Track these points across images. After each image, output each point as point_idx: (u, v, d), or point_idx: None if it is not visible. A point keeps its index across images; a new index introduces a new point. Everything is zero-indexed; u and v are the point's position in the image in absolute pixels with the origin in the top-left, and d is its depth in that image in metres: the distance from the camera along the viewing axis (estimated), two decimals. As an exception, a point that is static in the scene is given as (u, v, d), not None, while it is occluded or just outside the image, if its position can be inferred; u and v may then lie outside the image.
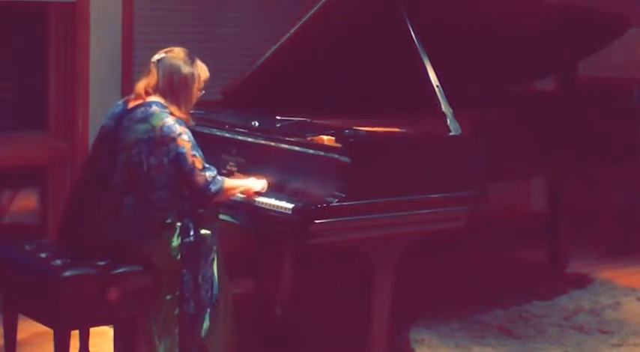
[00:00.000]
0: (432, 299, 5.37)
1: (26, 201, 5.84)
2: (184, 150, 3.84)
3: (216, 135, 4.51)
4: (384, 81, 4.97)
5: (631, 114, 5.63)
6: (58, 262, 3.79)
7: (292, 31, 4.59)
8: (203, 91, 4.08)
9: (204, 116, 4.65)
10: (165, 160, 3.83)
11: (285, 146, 4.19)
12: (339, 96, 4.89)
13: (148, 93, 3.95)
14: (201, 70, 4.05)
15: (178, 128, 3.86)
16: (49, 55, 5.61)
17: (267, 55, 4.71)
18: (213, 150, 4.43)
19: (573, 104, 5.61)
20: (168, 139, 3.82)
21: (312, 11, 4.51)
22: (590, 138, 5.29)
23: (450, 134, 4.30)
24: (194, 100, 4.04)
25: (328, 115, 4.61)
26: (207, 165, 3.93)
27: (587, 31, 5.43)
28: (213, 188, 3.90)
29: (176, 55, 4.01)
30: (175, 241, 3.91)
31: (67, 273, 3.71)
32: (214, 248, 3.97)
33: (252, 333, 4.57)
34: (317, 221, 3.82)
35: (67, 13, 5.51)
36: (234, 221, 4.25)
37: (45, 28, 5.62)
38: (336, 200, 3.87)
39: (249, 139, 4.35)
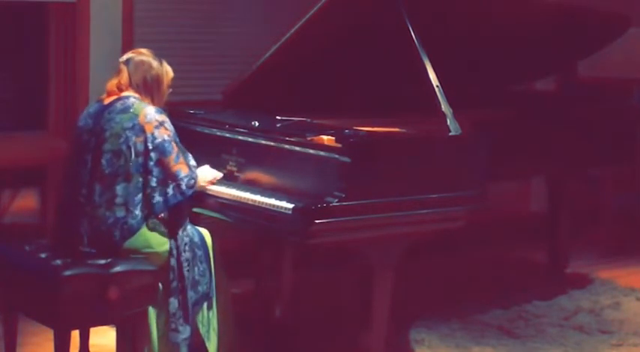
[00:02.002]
0: (432, 299, 5.37)
1: (26, 201, 5.85)
2: (168, 139, 3.94)
3: (216, 135, 4.51)
4: (384, 81, 4.97)
5: (631, 114, 5.63)
6: (58, 262, 3.79)
7: (292, 31, 4.59)
8: (171, 89, 4.16)
9: (204, 116, 4.65)
10: (150, 146, 3.90)
11: (286, 146, 4.19)
12: (339, 96, 4.89)
13: (121, 90, 4.04)
14: (168, 70, 4.15)
15: (160, 116, 3.97)
16: (49, 55, 5.61)
17: (267, 55, 4.71)
18: (213, 150, 4.43)
19: (573, 104, 5.61)
20: (151, 126, 3.92)
21: (312, 11, 4.51)
22: (590, 138, 5.29)
23: (450, 134, 4.30)
24: (164, 98, 4.14)
25: (328, 115, 4.61)
26: (189, 156, 4.04)
27: (587, 31, 5.43)
28: (195, 178, 4.00)
29: (145, 55, 4.11)
30: (163, 228, 3.98)
31: (67, 273, 3.71)
32: (187, 232, 4.03)
33: (252, 333, 4.57)
34: (317, 221, 3.82)
35: (67, 13, 5.51)
36: (234, 221, 4.25)
37: (45, 28, 5.62)
38: (336, 200, 3.87)
39: (249, 139, 4.35)
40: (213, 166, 4.33)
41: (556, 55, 5.52)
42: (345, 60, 4.79)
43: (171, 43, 5.86)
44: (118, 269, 3.79)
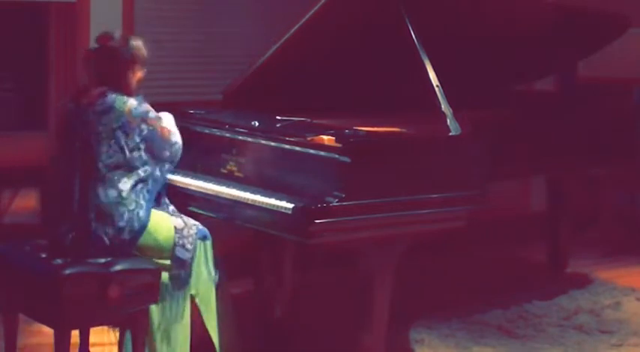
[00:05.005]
0: (432, 298, 5.37)
1: (26, 201, 5.84)
2: (156, 127, 4.03)
3: (216, 135, 4.51)
4: (385, 81, 4.97)
5: (631, 114, 5.63)
6: (59, 261, 3.79)
7: (292, 31, 4.59)
8: (145, 69, 4.15)
9: (204, 116, 4.65)
10: (138, 139, 3.98)
11: (286, 146, 4.19)
12: (340, 96, 4.89)
13: (89, 88, 4.02)
14: (138, 49, 4.11)
15: (144, 107, 4.03)
16: (49, 55, 5.61)
17: (267, 55, 4.71)
18: (213, 150, 4.43)
19: (573, 104, 5.61)
20: (138, 120, 3.98)
21: (312, 11, 4.51)
22: (590, 138, 5.29)
23: (450, 134, 4.30)
24: (134, 82, 4.10)
25: (328, 115, 4.61)
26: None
27: (587, 31, 5.43)
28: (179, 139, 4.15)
29: (113, 43, 4.06)
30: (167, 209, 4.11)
31: (67, 272, 3.71)
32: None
33: (252, 333, 4.57)
34: (317, 221, 3.82)
35: (67, 13, 5.51)
36: (234, 221, 4.25)
37: (45, 28, 5.62)
38: (336, 200, 3.87)
39: (249, 139, 4.35)
40: (213, 166, 4.34)
41: (556, 55, 5.52)
42: (345, 60, 4.79)
43: (172, 43, 5.87)
44: (118, 268, 3.79)
